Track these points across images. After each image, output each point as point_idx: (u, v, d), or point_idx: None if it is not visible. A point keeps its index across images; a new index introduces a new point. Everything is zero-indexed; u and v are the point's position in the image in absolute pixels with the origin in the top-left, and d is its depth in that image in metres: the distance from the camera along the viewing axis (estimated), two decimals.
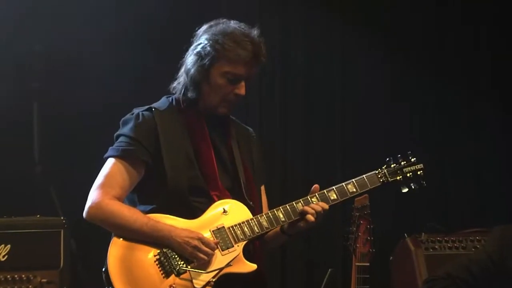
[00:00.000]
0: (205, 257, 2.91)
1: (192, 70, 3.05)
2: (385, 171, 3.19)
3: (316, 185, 3.12)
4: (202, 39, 3.07)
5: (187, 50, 3.12)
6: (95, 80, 4.73)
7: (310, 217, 3.05)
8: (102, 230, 3.02)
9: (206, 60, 3.02)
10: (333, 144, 5.44)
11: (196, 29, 3.14)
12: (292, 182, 5.32)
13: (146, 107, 3.08)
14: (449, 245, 4.44)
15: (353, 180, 3.14)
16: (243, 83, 3.06)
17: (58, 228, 4.13)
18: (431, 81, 5.53)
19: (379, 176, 3.18)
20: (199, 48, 3.05)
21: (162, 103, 3.13)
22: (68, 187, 4.51)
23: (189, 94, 3.07)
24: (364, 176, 3.15)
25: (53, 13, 4.73)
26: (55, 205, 4.40)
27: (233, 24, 3.08)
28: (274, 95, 5.34)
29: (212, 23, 3.11)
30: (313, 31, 5.41)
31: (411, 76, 5.47)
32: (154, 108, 3.08)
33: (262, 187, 3.26)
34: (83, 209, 3.00)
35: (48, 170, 4.68)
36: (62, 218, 4.19)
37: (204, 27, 3.11)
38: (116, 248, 2.94)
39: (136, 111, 3.08)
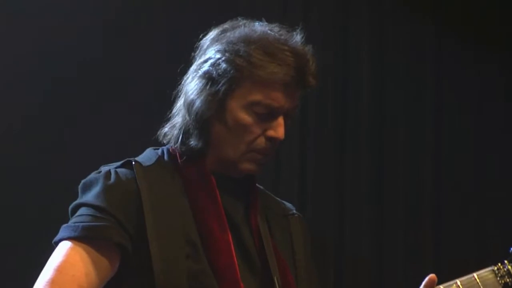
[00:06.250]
0: None
1: (198, 102, 2.10)
2: (509, 267, 2.23)
3: (432, 276, 2.20)
4: (211, 52, 2.11)
5: (185, 72, 2.17)
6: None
7: None
8: None
9: (221, 84, 2.07)
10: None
11: (200, 36, 2.17)
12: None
13: (122, 161, 2.14)
14: None
15: (458, 280, 2.19)
16: (280, 120, 2.10)
17: None
18: None
19: (499, 275, 2.21)
20: (207, 67, 2.10)
21: (146, 156, 2.18)
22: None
23: (192, 142, 2.13)
24: (474, 274, 2.20)
25: None
26: None
27: (259, 26, 2.13)
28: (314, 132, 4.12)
29: (226, 25, 2.15)
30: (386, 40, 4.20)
31: None
32: (135, 162, 2.12)
33: None
34: None
35: None
36: None
37: (213, 33, 2.15)
38: None
39: (105, 168, 2.14)
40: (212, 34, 2.15)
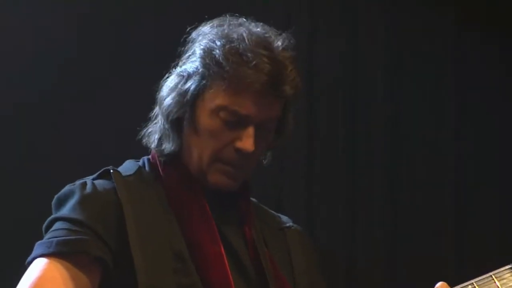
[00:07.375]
0: None
1: (167, 101, 1.98)
2: None
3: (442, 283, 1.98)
4: (192, 48, 2.01)
5: (172, 67, 2.06)
6: None
7: None
8: None
9: (189, 84, 1.95)
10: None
11: (187, 29, 2.04)
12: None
13: (99, 172, 2.00)
14: None
15: (473, 281, 2.03)
16: (250, 130, 1.94)
17: None
18: None
19: None
20: (184, 63, 2.00)
21: (126, 167, 2.04)
22: None
23: (165, 145, 2.00)
24: (491, 274, 2.03)
25: None
26: None
27: (244, 25, 2.00)
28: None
29: (215, 21, 2.03)
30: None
31: None
32: (113, 170, 1.97)
33: None
34: None
35: None
36: None
37: (206, 27, 2.03)
38: None
39: (80, 180, 2.00)
40: (205, 27, 2.03)
